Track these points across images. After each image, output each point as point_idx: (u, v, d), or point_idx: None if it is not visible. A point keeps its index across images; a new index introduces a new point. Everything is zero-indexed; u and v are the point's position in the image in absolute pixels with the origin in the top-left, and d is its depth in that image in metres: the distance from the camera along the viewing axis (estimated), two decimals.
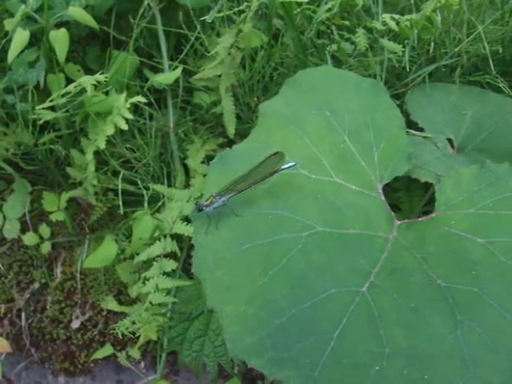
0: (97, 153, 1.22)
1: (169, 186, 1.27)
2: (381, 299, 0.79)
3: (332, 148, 0.96)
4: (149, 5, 1.26)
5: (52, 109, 1.21)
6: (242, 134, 1.25)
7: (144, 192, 1.23)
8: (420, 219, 0.92)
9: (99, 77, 1.13)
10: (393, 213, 0.92)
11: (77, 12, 1.18)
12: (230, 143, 1.26)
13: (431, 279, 0.82)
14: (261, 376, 1.29)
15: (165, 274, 1.16)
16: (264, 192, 0.89)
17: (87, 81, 1.12)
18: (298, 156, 0.92)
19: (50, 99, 1.16)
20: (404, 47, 1.15)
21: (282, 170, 0.89)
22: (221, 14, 1.18)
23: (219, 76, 1.26)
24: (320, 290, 0.78)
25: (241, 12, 1.19)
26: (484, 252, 0.85)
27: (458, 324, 0.78)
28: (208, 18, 1.11)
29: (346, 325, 0.76)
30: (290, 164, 0.89)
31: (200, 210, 0.86)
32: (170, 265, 1.16)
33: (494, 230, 0.87)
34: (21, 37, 1.15)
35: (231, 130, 1.27)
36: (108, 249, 1.23)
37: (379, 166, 0.96)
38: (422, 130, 1.13)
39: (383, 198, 0.93)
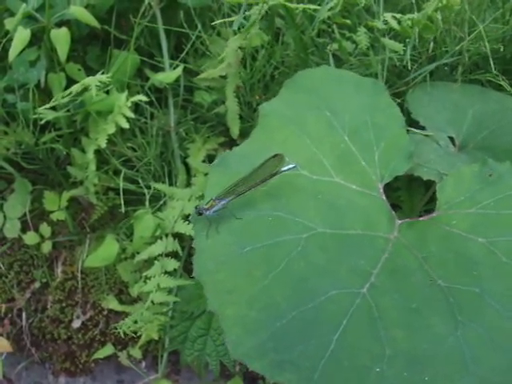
0: (98, 152, 1.22)
1: (170, 184, 1.27)
2: (381, 300, 0.79)
3: (332, 148, 0.96)
4: (149, 4, 1.27)
5: (53, 108, 1.21)
6: (243, 133, 1.25)
7: (145, 191, 1.23)
8: (421, 219, 0.92)
9: (102, 77, 1.13)
10: (394, 212, 0.92)
11: (78, 11, 1.18)
12: (231, 142, 1.26)
13: (432, 279, 0.82)
14: (262, 376, 1.29)
15: (166, 273, 1.16)
16: (264, 194, 0.88)
17: (92, 81, 1.12)
18: (299, 156, 0.92)
19: (52, 100, 1.16)
20: (405, 46, 1.15)
21: (282, 172, 0.88)
22: (242, 16, 1.16)
23: (223, 76, 1.25)
24: (320, 291, 0.78)
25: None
26: (485, 252, 0.85)
27: (458, 325, 0.77)
28: (234, 26, 1.10)
29: (346, 326, 0.76)
30: (290, 166, 0.89)
31: (200, 214, 0.86)
32: (172, 264, 1.17)
33: (495, 229, 0.87)
34: (22, 36, 1.16)
35: (235, 130, 1.26)
36: (109, 248, 1.23)
37: (380, 166, 0.96)
38: (423, 128, 1.13)
39: (384, 197, 0.93)
